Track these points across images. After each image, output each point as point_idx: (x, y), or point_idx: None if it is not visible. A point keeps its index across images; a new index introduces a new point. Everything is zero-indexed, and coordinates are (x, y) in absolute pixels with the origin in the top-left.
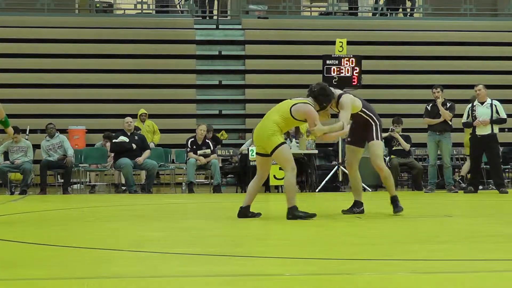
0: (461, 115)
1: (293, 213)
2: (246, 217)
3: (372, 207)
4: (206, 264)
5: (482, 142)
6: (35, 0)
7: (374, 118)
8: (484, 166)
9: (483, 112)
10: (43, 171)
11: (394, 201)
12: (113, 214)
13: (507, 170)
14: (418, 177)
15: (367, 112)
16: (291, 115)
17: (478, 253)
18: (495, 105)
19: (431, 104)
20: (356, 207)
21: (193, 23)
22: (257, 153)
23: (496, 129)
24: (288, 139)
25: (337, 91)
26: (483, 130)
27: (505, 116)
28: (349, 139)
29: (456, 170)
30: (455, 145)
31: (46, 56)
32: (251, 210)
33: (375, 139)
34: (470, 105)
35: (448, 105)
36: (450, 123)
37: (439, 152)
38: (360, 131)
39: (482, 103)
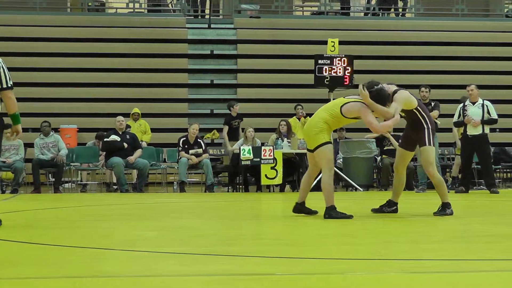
0: (450, 115)
1: (330, 213)
2: (301, 212)
3: (364, 207)
4: (198, 264)
5: (473, 142)
6: None
7: (428, 120)
8: (475, 166)
9: (474, 112)
10: (35, 170)
11: (443, 206)
12: (104, 213)
13: (498, 170)
14: (409, 177)
15: (422, 112)
16: (342, 113)
17: (469, 253)
18: (487, 106)
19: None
20: (387, 206)
21: (185, 22)
22: (307, 149)
23: (487, 129)
24: (279, 138)
25: (392, 87)
26: (474, 130)
27: (496, 117)
28: (400, 141)
29: (448, 170)
30: (445, 145)
31: (38, 54)
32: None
33: (427, 144)
34: (461, 105)
35: (433, 104)
36: (439, 122)
37: None
38: (413, 134)
39: (473, 103)
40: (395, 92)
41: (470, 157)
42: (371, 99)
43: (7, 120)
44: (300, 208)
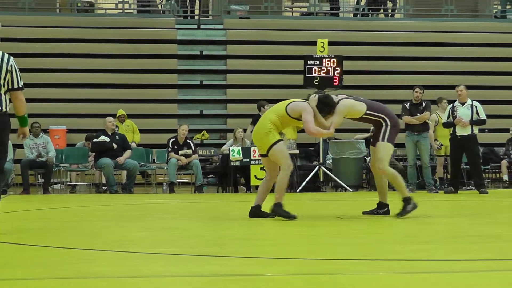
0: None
1: (276, 209)
2: (257, 216)
3: (354, 207)
4: (187, 264)
5: (462, 143)
6: None
7: (386, 119)
8: (464, 167)
9: (463, 113)
10: (24, 171)
11: (404, 203)
12: (94, 214)
13: (487, 170)
14: None
15: (376, 113)
16: (287, 113)
17: (458, 253)
18: (476, 106)
19: (409, 103)
20: (378, 209)
21: (174, 23)
22: (260, 155)
23: (476, 129)
24: None
25: (339, 97)
26: (463, 131)
27: (485, 117)
28: (371, 140)
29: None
30: None
31: (27, 55)
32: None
33: (380, 140)
34: (451, 105)
35: (424, 104)
36: (430, 122)
37: (417, 153)
38: (377, 132)
39: (462, 104)
40: (337, 102)
41: (459, 157)
42: (317, 106)
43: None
44: (255, 212)
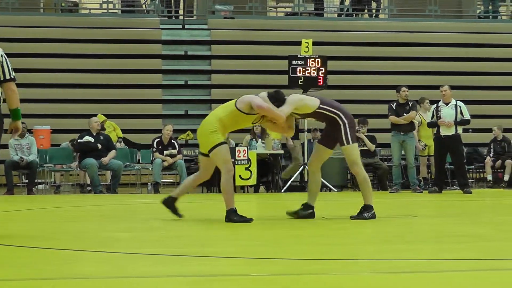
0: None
1: (229, 217)
2: (168, 207)
3: (338, 208)
4: (173, 265)
5: (446, 143)
6: None
7: (342, 116)
8: (449, 167)
9: (447, 113)
10: (8, 171)
11: (364, 208)
12: (78, 214)
13: (471, 170)
14: (383, 178)
15: (331, 109)
16: (237, 108)
17: (443, 253)
18: (460, 106)
19: (395, 103)
20: (302, 210)
21: (159, 23)
22: (199, 152)
23: (460, 129)
24: (253, 139)
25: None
26: (447, 131)
27: (469, 117)
28: (320, 137)
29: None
30: None
31: (10, 55)
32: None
33: (345, 143)
34: (435, 105)
35: (410, 104)
36: (416, 122)
37: (403, 153)
38: (331, 131)
39: (447, 104)
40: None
41: (443, 157)
42: (268, 95)
43: None
44: (169, 202)
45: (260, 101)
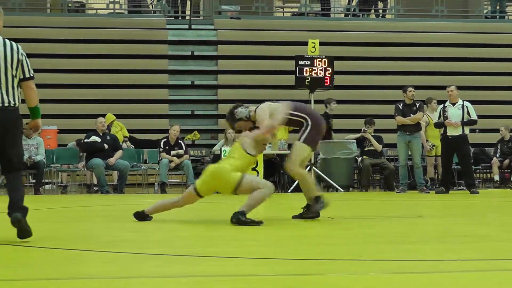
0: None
1: (238, 217)
2: (138, 220)
3: (345, 208)
4: (179, 265)
5: (453, 143)
6: None
7: (308, 118)
8: (455, 167)
9: (454, 113)
10: None
11: (315, 200)
12: (85, 214)
13: (477, 170)
14: (390, 178)
15: (298, 113)
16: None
17: (449, 254)
18: (467, 106)
19: (401, 104)
20: (308, 210)
21: (165, 23)
22: (195, 190)
23: (467, 130)
24: None
25: (252, 107)
26: (454, 131)
27: (476, 118)
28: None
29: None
30: None
31: None
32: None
33: (300, 139)
34: (442, 106)
35: (417, 105)
36: (423, 123)
37: (409, 153)
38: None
39: (453, 104)
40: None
41: (450, 157)
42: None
43: None
44: (140, 216)
45: (262, 127)
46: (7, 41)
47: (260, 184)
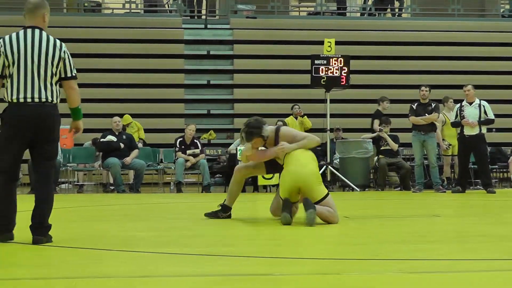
0: None
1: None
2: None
3: (361, 207)
4: (195, 264)
5: (470, 142)
6: None
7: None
8: (472, 166)
9: (471, 112)
10: (32, 171)
11: (223, 208)
12: (101, 213)
13: (494, 170)
14: (406, 177)
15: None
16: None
17: (465, 253)
18: (483, 106)
19: (416, 104)
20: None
21: (181, 23)
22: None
23: (484, 129)
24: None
25: (270, 128)
26: (471, 130)
27: (493, 117)
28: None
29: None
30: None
31: None
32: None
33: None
34: (458, 105)
35: (433, 105)
36: (438, 124)
37: (425, 152)
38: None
39: (470, 103)
40: (277, 130)
41: (467, 157)
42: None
43: None
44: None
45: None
46: (51, 38)
47: (334, 207)
